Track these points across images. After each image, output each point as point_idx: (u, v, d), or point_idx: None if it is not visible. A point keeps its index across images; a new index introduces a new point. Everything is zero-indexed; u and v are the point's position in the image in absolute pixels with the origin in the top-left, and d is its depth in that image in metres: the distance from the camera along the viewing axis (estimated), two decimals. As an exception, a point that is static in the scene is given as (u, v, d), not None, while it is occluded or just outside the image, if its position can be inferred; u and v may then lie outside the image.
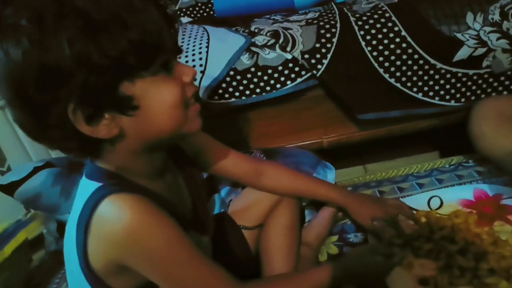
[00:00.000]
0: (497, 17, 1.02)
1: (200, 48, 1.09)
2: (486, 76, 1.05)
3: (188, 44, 1.11)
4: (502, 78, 1.06)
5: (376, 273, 0.67)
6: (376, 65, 1.04)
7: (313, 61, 1.04)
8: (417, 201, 0.95)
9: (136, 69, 0.47)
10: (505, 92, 1.08)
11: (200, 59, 1.07)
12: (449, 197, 0.94)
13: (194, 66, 1.07)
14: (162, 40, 0.48)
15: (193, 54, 1.08)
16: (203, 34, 1.13)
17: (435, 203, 0.94)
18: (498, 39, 1.01)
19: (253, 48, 1.07)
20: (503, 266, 0.73)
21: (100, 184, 0.51)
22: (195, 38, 1.12)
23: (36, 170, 0.91)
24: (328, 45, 1.04)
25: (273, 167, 0.81)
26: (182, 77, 0.52)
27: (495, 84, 1.07)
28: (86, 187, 0.52)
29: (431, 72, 1.05)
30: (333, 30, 1.05)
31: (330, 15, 1.11)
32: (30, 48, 0.43)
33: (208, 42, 1.10)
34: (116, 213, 0.48)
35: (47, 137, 0.49)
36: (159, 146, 0.55)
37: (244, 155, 0.80)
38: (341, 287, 0.76)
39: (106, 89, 0.46)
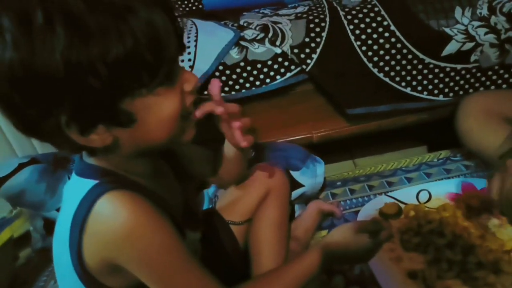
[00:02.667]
0: (485, 11, 1.03)
1: (189, 42, 1.07)
2: (474, 70, 1.06)
3: (176, 38, 1.09)
4: (490, 73, 1.07)
5: (363, 253, 0.64)
6: (365, 59, 1.04)
7: (302, 55, 1.04)
8: (406, 195, 0.95)
9: (135, 87, 0.44)
10: (492, 87, 1.09)
11: (189, 53, 1.06)
12: (437, 191, 0.94)
13: (182, 60, 1.06)
14: (167, 50, 0.44)
15: (182, 48, 1.06)
16: (191, 27, 1.11)
17: (423, 196, 0.94)
18: (486, 33, 1.02)
19: (242, 43, 1.06)
20: (491, 260, 0.74)
21: (96, 181, 0.50)
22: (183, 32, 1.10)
23: (20, 166, 0.90)
24: (318, 40, 1.04)
25: None
26: (184, 85, 0.50)
27: (483, 79, 1.08)
28: (80, 185, 0.50)
29: (420, 66, 1.05)
30: (323, 24, 1.05)
31: (319, 9, 1.10)
32: (13, 53, 0.39)
33: (196, 36, 1.08)
34: (113, 212, 0.47)
35: (37, 137, 0.47)
36: (153, 151, 0.54)
37: None
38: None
39: (101, 106, 0.43)
